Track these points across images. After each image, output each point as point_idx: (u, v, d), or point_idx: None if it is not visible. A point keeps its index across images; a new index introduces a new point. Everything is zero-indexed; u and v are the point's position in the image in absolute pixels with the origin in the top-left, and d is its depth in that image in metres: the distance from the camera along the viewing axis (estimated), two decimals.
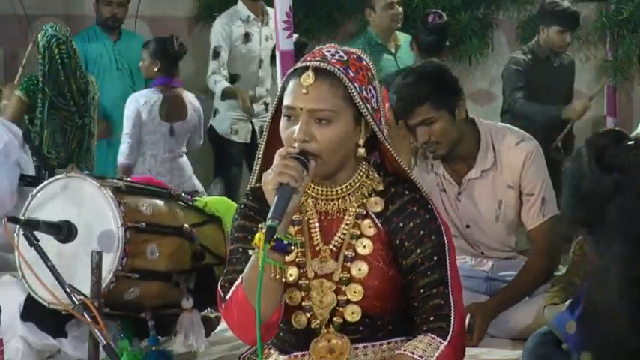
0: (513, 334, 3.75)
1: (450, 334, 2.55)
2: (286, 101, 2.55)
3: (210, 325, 3.87)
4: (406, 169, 2.64)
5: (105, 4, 6.84)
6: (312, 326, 2.61)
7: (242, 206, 2.68)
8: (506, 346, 3.68)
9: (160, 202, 3.66)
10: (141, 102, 6.08)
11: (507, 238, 3.93)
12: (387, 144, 2.60)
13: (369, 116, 2.55)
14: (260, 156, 2.67)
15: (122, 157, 6.10)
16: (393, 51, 6.62)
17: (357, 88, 2.54)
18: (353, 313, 2.59)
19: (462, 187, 3.86)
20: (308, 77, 2.53)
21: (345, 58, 2.57)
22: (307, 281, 2.60)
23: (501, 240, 3.92)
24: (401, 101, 3.71)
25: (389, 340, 2.63)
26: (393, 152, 2.62)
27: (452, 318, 2.57)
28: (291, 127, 2.53)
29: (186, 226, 3.64)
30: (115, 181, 3.61)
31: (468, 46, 7.74)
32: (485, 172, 3.83)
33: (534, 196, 3.80)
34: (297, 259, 2.62)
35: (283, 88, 2.58)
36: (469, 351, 3.52)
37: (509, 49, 8.14)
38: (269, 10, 6.56)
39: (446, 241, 2.61)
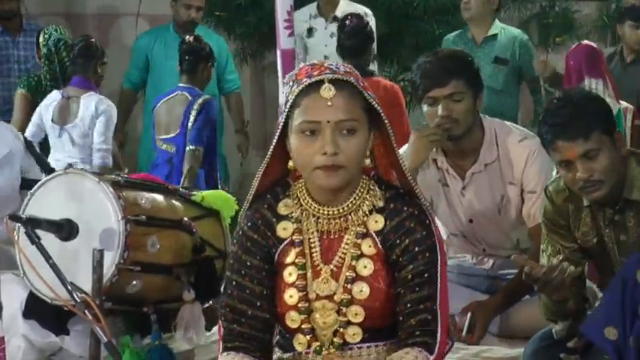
0: (514, 332, 3.75)
1: (436, 351, 2.56)
2: (308, 117, 2.53)
3: (214, 314, 3.84)
4: (409, 176, 2.63)
5: (184, 8, 6.67)
6: (314, 348, 2.61)
7: (240, 232, 2.66)
8: (507, 344, 3.69)
9: (158, 196, 3.68)
10: (42, 103, 5.79)
11: (509, 234, 3.93)
12: (396, 151, 2.61)
13: (386, 120, 2.56)
14: (259, 177, 2.63)
15: None
16: (478, 43, 6.33)
17: (372, 96, 2.56)
18: (354, 335, 2.60)
19: (466, 182, 3.87)
20: (329, 90, 2.52)
21: (348, 69, 2.58)
22: (308, 304, 2.59)
23: (503, 236, 3.92)
24: (439, 70, 3.74)
25: (384, 342, 2.64)
26: (401, 159, 2.62)
27: (438, 335, 2.57)
28: (313, 143, 2.52)
29: (186, 219, 3.66)
30: (113, 176, 3.63)
31: None
32: (488, 165, 3.84)
33: (536, 194, 3.80)
34: (297, 282, 2.60)
35: (294, 106, 2.54)
36: (470, 350, 3.54)
37: None
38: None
39: (439, 257, 2.60)
